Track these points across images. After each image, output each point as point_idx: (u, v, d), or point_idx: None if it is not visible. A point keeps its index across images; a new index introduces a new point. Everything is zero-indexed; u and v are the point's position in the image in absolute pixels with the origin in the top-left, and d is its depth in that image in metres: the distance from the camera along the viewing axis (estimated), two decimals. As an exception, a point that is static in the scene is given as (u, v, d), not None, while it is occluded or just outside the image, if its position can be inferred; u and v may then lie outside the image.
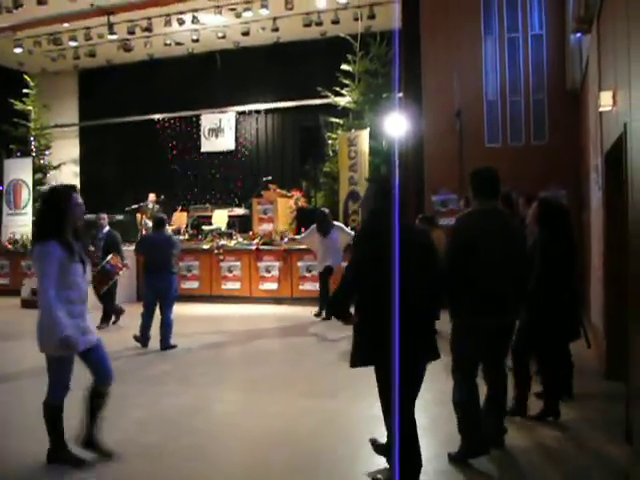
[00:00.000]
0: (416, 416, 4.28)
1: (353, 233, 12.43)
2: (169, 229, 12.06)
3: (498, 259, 4.68)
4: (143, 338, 9.66)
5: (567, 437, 5.37)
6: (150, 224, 16.60)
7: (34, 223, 4.03)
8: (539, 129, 12.55)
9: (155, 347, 9.45)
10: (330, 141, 15.71)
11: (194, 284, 14.67)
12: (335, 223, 12.03)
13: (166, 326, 9.62)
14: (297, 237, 12.49)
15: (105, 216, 12.14)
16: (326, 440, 5.41)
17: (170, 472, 4.87)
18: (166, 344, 9.53)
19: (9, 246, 16.92)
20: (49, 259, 4.64)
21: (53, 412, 4.89)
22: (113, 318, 11.71)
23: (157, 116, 21.18)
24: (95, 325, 10.44)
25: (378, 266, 4.03)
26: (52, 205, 4.84)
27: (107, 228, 11.86)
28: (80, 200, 4.92)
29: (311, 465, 4.88)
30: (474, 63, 12.89)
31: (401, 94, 13.98)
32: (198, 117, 20.87)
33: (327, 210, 12.14)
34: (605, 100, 6.15)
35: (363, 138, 14.60)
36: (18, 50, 18.55)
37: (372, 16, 15.91)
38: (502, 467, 4.75)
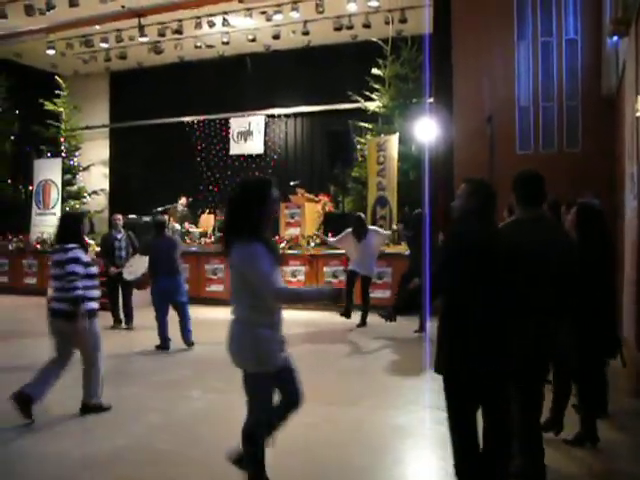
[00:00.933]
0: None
1: (389, 233, 12.31)
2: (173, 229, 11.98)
3: (544, 272, 4.26)
4: (163, 341, 9.62)
5: (599, 457, 5.14)
6: (178, 227, 16.66)
7: (230, 217, 3.47)
8: (572, 136, 12.27)
9: (174, 349, 9.38)
10: (359, 146, 15.57)
11: (220, 287, 14.59)
12: (370, 227, 11.84)
13: (187, 320, 9.67)
14: (330, 240, 12.22)
15: (120, 217, 12.16)
16: (345, 449, 5.25)
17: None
18: (188, 339, 9.62)
19: (37, 246, 16.99)
20: (263, 261, 3.90)
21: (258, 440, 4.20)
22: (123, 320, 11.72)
23: (187, 119, 21.18)
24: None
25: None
26: (255, 199, 4.01)
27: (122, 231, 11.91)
28: (277, 195, 4.19)
29: (328, 474, 4.73)
30: (506, 68, 12.65)
31: (431, 99, 13.78)
32: (227, 120, 20.83)
33: (363, 215, 11.98)
34: (642, 105, 5.93)
35: (392, 143, 14.44)
36: (51, 52, 18.71)
37: (403, 20, 15.79)
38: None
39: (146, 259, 10.25)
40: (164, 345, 9.62)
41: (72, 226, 6.38)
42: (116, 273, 11.33)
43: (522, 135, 12.52)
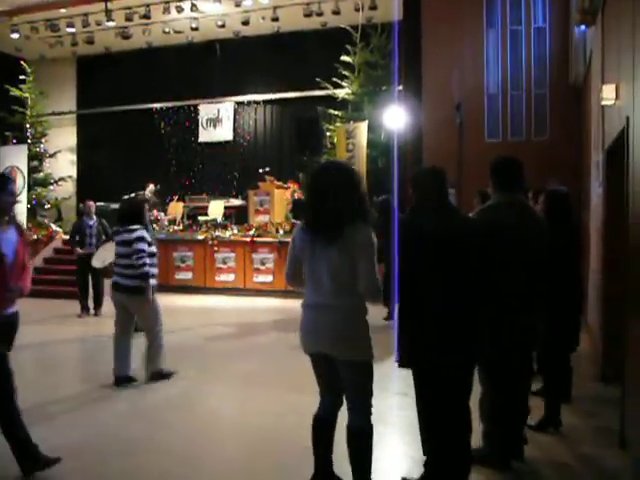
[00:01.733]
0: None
1: None
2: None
3: (518, 257, 4.35)
4: None
5: (562, 442, 5.22)
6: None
7: (342, 201, 3.34)
8: (540, 124, 12.39)
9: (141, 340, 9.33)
10: (328, 133, 15.54)
11: (188, 275, 14.53)
12: None
13: None
14: None
15: (92, 203, 12.18)
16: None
17: (148, 469, 4.72)
18: None
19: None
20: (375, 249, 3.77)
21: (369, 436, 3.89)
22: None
23: (155, 105, 20.92)
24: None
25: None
26: (359, 183, 3.86)
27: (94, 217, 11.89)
28: None
29: (298, 463, 4.73)
30: (475, 56, 12.73)
31: (401, 86, 13.83)
32: (196, 107, 20.65)
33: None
34: (607, 93, 5.99)
35: (361, 130, 14.43)
36: (15, 35, 18.36)
37: (373, 7, 15.74)
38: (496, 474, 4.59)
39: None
40: None
41: (135, 209, 7.10)
42: (83, 253, 11.34)
43: (491, 123, 12.62)
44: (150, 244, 6.92)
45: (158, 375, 7.00)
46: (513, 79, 12.57)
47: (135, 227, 6.87)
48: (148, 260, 6.75)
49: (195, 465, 4.78)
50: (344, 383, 3.81)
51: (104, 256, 10.45)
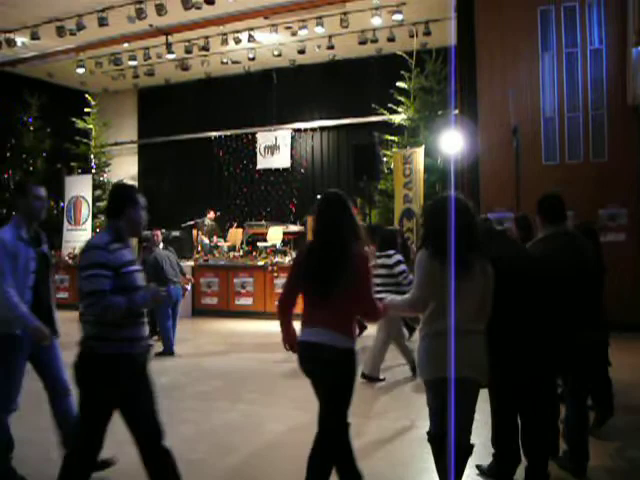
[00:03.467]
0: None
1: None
2: None
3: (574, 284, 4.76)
4: (171, 346, 10.22)
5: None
6: (206, 241, 16.84)
7: (473, 233, 3.78)
8: (598, 146, 12.24)
9: (205, 364, 9.49)
10: (385, 159, 15.64)
11: (248, 300, 14.71)
12: None
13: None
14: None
15: (159, 232, 12.03)
16: (372, 461, 5.29)
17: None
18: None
19: (69, 261, 17.27)
20: None
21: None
22: None
23: (214, 134, 21.41)
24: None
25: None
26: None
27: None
28: None
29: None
30: (531, 79, 12.69)
31: (457, 111, 13.85)
32: (254, 135, 21.01)
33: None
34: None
35: (418, 155, 14.48)
36: (80, 70, 19.13)
37: (428, 33, 15.89)
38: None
39: None
40: (171, 350, 10.07)
41: (390, 238, 8.46)
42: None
43: (547, 146, 12.53)
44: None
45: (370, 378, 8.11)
46: (569, 101, 12.47)
47: (391, 252, 8.21)
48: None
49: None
50: (462, 405, 3.89)
51: None
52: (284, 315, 4.22)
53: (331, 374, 3.91)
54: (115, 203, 4.02)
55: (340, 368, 3.93)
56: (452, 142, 13.08)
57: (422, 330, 4.08)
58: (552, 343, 4.44)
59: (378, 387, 7.95)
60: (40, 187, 4.87)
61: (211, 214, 17.70)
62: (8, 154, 20.03)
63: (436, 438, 4.06)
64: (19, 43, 16.93)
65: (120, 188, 4.21)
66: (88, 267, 3.79)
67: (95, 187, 19.61)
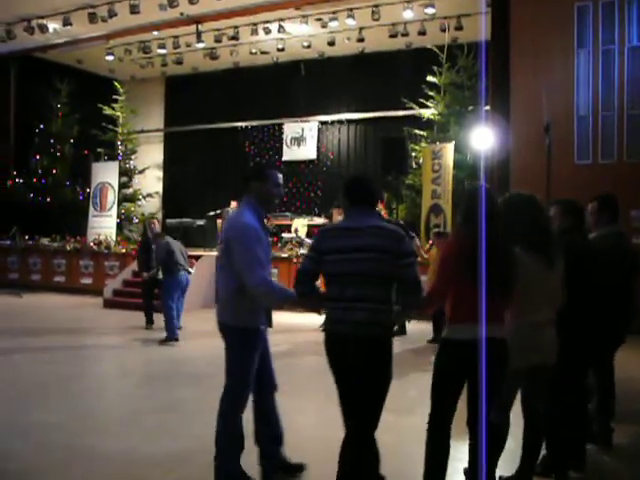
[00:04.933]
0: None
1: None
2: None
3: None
4: (174, 332, 10.32)
5: None
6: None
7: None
8: (633, 146, 12.05)
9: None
10: (414, 153, 15.54)
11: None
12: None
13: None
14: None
15: (156, 221, 11.99)
16: (411, 459, 5.21)
17: None
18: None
19: (94, 247, 17.34)
20: None
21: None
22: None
23: (240, 124, 21.37)
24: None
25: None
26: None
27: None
28: None
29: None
30: (565, 77, 12.51)
31: (488, 107, 13.71)
32: (281, 126, 20.95)
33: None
34: None
35: (448, 151, 14.38)
36: (110, 58, 19.20)
37: (459, 27, 15.71)
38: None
39: None
40: (175, 336, 10.23)
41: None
42: (149, 276, 11.48)
43: (580, 145, 12.37)
44: None
45: None
46: (604, 100, 12.29)
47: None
48: None
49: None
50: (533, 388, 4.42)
51: None
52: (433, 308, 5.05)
53: (498, 365, 3.99)
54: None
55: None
56: (482, 138, 12.95)
57: (516, 321, 4.18)
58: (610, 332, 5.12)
59: (407, 382, 7.87)
60: (279, 173, 4.56)
61: (234, 204, 17.64)
62: (36, 139, 20.16)
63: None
64: (51, 29, 17.00)
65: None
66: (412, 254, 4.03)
67: (121, 174, 19.68)
